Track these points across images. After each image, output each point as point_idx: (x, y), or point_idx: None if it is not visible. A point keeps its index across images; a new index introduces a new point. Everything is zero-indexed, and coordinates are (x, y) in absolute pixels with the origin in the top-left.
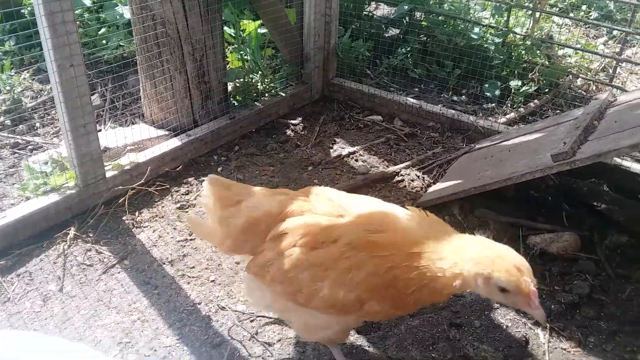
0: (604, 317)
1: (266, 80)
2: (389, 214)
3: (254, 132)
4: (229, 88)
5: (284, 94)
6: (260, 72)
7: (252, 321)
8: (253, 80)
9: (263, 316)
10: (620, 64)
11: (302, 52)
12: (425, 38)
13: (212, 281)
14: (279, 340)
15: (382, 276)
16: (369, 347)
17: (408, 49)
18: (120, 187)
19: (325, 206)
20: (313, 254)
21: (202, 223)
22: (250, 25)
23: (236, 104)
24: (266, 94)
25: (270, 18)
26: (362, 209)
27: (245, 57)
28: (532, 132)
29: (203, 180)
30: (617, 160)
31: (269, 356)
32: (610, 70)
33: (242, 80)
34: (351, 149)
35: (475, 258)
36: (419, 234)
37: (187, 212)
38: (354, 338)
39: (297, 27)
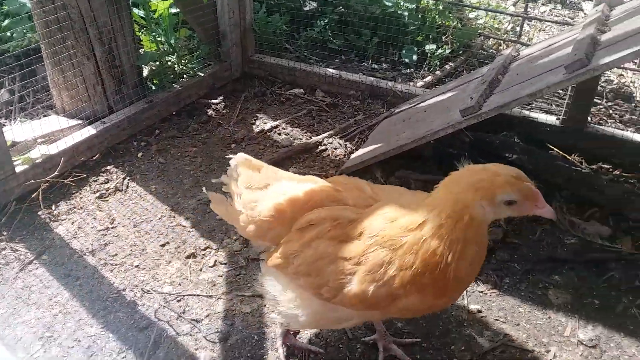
0: (517, 259)
1: (183, 61)
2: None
3: (174, 115)
4: (145, 72)
5: (202, 74)
6: (175, 54)
7: (179, 301)
8: (169, 62)
9: (190, 295)
10: (528, 21)
11: (218, 30)
12: (342, 9)
13: (136, 266)
14: (207, 316)
15: (411, 266)
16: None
17: (326, 21)
18: (33, 181)
19: (354, 197)
20: (341, 247)
21: (225, 203)
22: (160, 5)
23: (153, 87)
24: (184, 75)
25: None
26: (386, 199)
27: (159, 38)
28: (446, 92)
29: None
30: (525, 112)
31: (197, 332)
32: (518, 29)
33: (157, 62)
34: (274, 124)
35: (472, 184)
36: (416, 204)
37: (107, 201)
38: None
39: (211, 4)
